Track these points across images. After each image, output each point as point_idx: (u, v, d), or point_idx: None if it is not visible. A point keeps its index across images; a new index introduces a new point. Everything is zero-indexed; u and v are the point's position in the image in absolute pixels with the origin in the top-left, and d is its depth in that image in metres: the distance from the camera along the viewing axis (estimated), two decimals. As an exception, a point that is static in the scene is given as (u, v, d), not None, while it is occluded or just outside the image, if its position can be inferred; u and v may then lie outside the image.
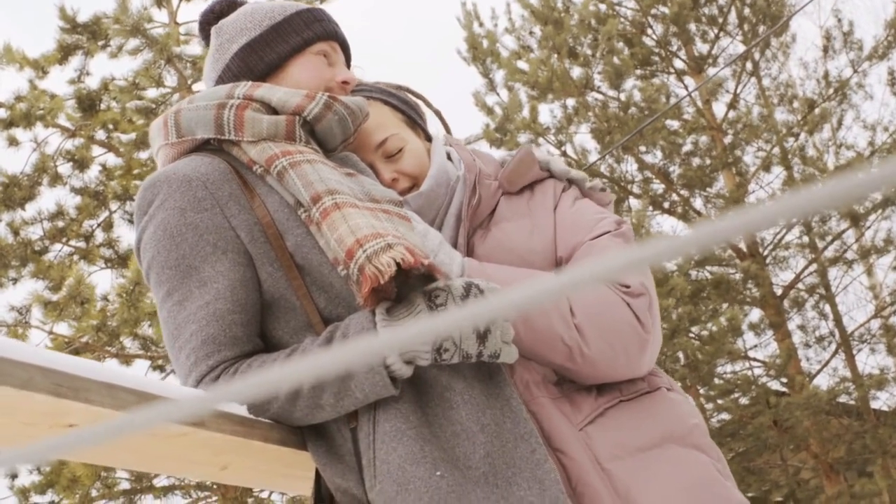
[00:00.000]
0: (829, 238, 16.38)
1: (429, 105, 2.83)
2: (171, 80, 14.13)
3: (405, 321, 2.08)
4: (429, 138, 2.77)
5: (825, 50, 17.20)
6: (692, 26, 17.21)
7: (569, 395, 2.38)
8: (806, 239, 16.54)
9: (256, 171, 2.28)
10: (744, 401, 15.64)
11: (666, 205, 16.66)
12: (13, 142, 14.03)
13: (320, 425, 2.18)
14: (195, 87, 13.58)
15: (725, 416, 16.10)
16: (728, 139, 16.71)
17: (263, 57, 2.46)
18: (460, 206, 2.58)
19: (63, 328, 12.78)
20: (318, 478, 2.25)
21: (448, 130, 2.89)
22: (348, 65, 2.62)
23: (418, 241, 2.22)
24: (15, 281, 13.52)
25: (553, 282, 0.66)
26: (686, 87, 17.13)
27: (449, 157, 2.73)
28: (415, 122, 2.72)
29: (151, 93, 14.10)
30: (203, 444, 2.01)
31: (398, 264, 2.04)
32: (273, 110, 2.35)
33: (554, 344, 2.30)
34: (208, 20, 2.62)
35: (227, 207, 2.22)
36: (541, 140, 16.04)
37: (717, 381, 15.61)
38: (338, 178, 2.26)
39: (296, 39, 2.48)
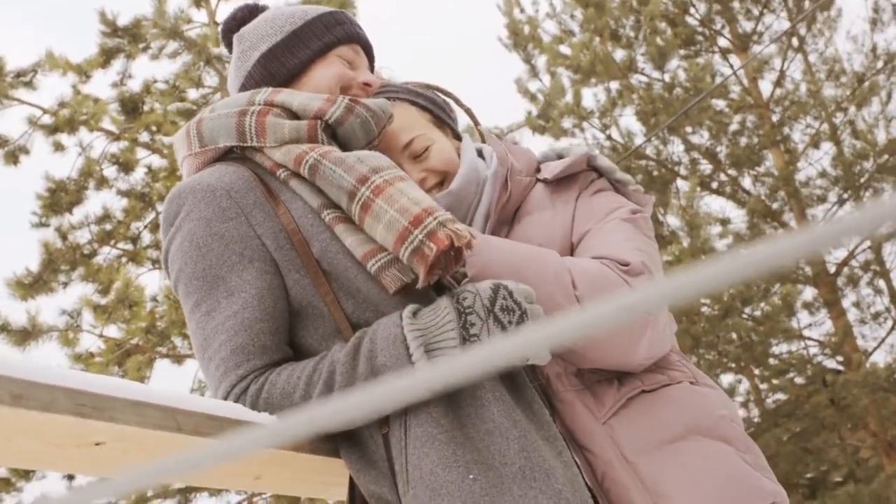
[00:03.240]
0: (882, 213, 16.10)
1: (459, 103, 2.81)
2: (210, 80, 14.26)
3: (433, 324, 2.07)
4: (458, 137, 2.76)
5: (873, 22, 16.92)
6: (736, 4, 17.00)
7: (591, 387, 2.38)
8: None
9: (280, 177, 2.27)
10: (799, 380, 15.48)
11: (714, 185, 16.51)
12: (59, 147, 14.20)
13: (352, 431, 2.17)
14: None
15: (781, 395, 15.95)
16: (776, 117, 16.50)
17: (285, 63, 2.45)
18: (489, 205, 2.58)
19: (113, 330, 12.95)
20: (353, 484, 2.24)
21: (478, 126, 2.88)
22: (372, 68, 2.61)
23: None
24: (65, 285, 13.68)
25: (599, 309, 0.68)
26: (731, 66, 16.94)
27: (481, 155, 2.72)
28: (442, 121, 2.72)
29: (193, 94, 14.24)
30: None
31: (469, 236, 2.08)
32: (294, 115, 2.34)
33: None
34: (230, 28, 2.61)
35: (251, 216, 2.21)
36: (585, 125, 15.95)
37: (771, 361, 15.47)
38: (377, 155, 2.26)
39: (317, 44, 2.47)
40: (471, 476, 2.01)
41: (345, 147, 2.40)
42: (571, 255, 2.48)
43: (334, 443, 2.19)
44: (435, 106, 2.72)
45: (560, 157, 2.72)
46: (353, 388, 2.06)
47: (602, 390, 2.37)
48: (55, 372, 1.61)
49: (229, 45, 2.61)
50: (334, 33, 2.50)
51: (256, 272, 2.18)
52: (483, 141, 2.83)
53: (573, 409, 2.36)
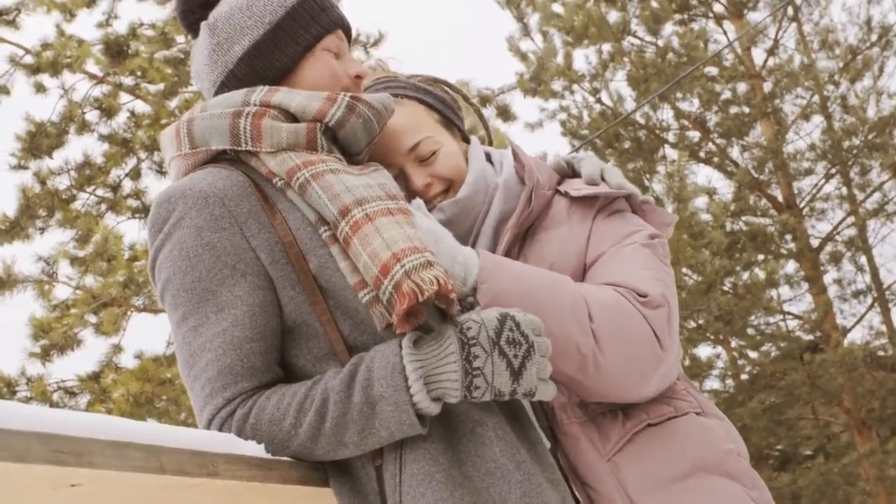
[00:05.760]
0: (868, 189, 16.10)
1: (469, 102, 2.71)
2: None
3: (434, 355, 1.94)
4: (466, 139, 2.64)
5: (869, -5, 16.78)
6: (732, -31, 16.83)
7: (595, 419, 2.31)
8: (845, 190, 16.29)
9: (277, 184, 2.15)
10: (776, 354, 15.53)
11: (702, 154, 16.43)
12: (40, 89, 13.93)
13: (343, 462, 2.08)
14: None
15: (758, 369, 16.01)
16: (767, 87, 16.39)
17: (273, 62, 2.28)
18: (499, 216, 2.48)
19: (90, 282, 12.79)
20: (342, 516, 2.14)
21: (487, 128, 2.79)
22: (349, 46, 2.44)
23: (448, 264, 2.14)
24: (42, 231, 13.52)
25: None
26: (725, 33, 16.81)
27: (489, 159, 2.59)
28: (451, 121, 2.60)
29: (181, 41, 13.95)
30: (220, 490, 1.93)
31: (439, 285, 1.94)
32: (292, 117, 2.20)
33: (568, 350, 2.18)
34: (191, 9, 2.37)
35: (246, 226, 2.09)
36: (575, 87, 15.81)
37: (750, 331, 15.51)
38: (365, 182, 2.12)
39: (305, 37, 2.29)
40: (468, 521, 1.92)
41: (346, 149, 2.27)
42: (584, 275, 2.39)
43: (324, 472, 2.10)
44: (443, 105, 2.60)
45: (570, 166, 2.60)
46: (347, 419, 1.97)
47: (607, 424, 2.31)
48: (28, 415, 1.51)
49: (190, 28, 2.38)
50: (320, 23, 2.31)
51: (249, 287, 2.07)
52: (491, 143, 2.70)
53: (577, 443, 2.29)
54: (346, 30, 2.40)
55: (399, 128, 2.44)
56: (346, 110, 2.20)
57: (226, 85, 2.29)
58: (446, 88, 2.65)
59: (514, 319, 2.00)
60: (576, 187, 2.51)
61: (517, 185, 2.53)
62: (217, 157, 2.23)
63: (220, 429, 2.03)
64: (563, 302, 2.19)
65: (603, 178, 2.52)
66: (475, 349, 1.95)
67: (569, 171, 2.59)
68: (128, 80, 13.93)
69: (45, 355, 12.91)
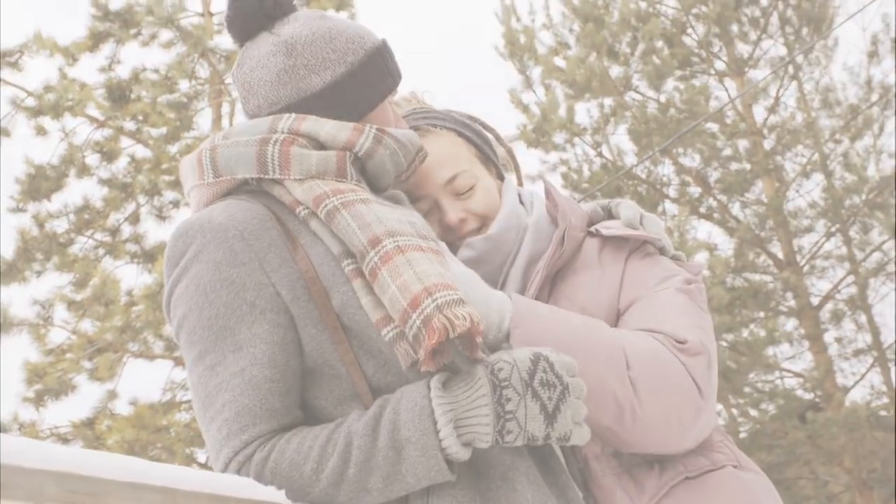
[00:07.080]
0: (869, 249, 16.08)
1: (500, 142, 2.63)
2: (203, 72, 14.04)
3: (465, 397, 1.87)
4: (500, 176, 2.57)
5: (870, 55, 16.88)
6: (734, 27, 16.95)
7: (630, 471, 2.24)
8: (845, 249, 16.27)
9: (300, 215, 2.06)
10: (775, 412, 15.41)
11: (703, 209, 16.42)
12: (41, 131, 13.99)
13: None
14: (228, 79, 13.47)
15: (758, 426, 15.89)
16: (768, 144, 16.43)
17: (356, 106, 2.19)
18: (529, 258, 2.41)
19: (86, 326, 12.72)
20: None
21: (518, 170, 2.72)
22: None
23: (484, 311, 2.07)
24: (39, 274, 13.47)
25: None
26: (727, 90, 16.87)
27: (520, 200, 2.54)
28: (488, 157, 2.53)
29: (184, 85, 14.03)
30: (233, 536, 1.80)
31: (472, 322, 1.85)
32: (320, 146, 2.11)
33: (604, 400, 2.10)
34: (256, 14, 2.22)
35: (266, 261, 2.01)
36: (577, 140, 15.82)
37: (747, 389, 15.42)
38: (396, 217, 2.04)
39: (381, 88, 2.22)
40: (498, 571, 1.84)
41: (373, 182, 2.19)
42: (616, 319, 2.31)
43: (345, 520, 2.00)
44: (481, 140, 2.53)
45: (607, 210, 2.54)
46: (372, 464, 1.87)
47: (642, 475, 2.23)
48: (41, 451, 1.43)
49: (247, 34, 2.24)
50: (392, 73, 2.25)
51: (269, 325, 1.99)
52: (520, 183, 2.62)
53: (612, 496, 2.21)
54: None
55: (437, 158, 2.37)
56: (373, 141, 2.12)
57: (290, 109, 2.18)
58: (481, 125, 2.59)
59: (547, 360, 1.91)
60: (607, 226, 2.44)
61: (548, 225, 2.46)
62: (238, 188, 2.15)
63: (238, 472, 1.93)
64: (600, 348, 2.12)
65: (641, 224, 2.44)
66: (507, 391, 1.86)
67: (604, 217, 2.52)
68: (129, 125, 13.97)
69: (38, 400, 12.83)
